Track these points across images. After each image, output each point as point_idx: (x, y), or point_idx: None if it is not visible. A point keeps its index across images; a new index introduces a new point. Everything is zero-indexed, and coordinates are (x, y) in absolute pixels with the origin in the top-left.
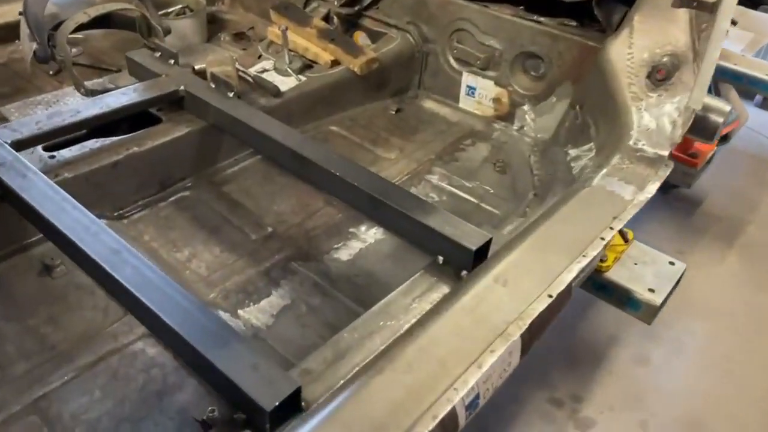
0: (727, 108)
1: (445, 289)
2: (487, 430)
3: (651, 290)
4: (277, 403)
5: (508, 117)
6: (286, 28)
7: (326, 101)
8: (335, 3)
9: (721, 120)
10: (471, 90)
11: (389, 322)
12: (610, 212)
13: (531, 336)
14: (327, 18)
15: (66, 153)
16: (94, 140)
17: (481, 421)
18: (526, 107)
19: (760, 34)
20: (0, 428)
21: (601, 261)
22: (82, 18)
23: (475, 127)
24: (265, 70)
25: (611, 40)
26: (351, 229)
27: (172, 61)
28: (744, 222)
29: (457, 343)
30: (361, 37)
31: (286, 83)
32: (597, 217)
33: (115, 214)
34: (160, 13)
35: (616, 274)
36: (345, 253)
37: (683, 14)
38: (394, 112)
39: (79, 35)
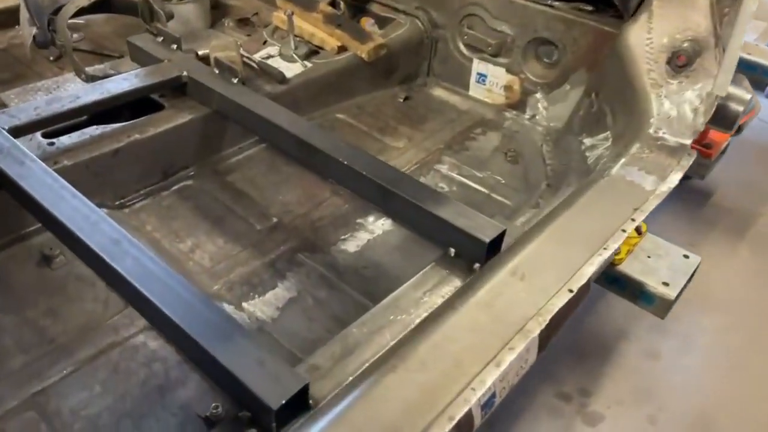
0: (748, 96)
1: (457, 283)
2: (493, 425)
3: (665, 284)
4: (284, 402)
5: (519, 105)
6: (292, 13)
7: (333, 88)
8: None
9: (741, 108)
10: (482, 77)
11: (399, 317)
12: (630, 203)
13: (549, 332)
14: (333, 3)
15: (66, 140)
16: (95, 127)
17: None
18: (538, 95)
19: None
20: None
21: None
22: (83, 2)
23: (485, 116)
24: (270, 56)
25: (629, 25)
26: (359, 220)
27: (175, 47)
28: (756, 214)
29: (473, 339)
30: (368, 23)
31: (291, 69)
32: (617, 208)
33: (116, 203)
34: None
35: (629, 266)
36: (352, 244)
37: None
38: (402, 100)
39: (79, 20)
